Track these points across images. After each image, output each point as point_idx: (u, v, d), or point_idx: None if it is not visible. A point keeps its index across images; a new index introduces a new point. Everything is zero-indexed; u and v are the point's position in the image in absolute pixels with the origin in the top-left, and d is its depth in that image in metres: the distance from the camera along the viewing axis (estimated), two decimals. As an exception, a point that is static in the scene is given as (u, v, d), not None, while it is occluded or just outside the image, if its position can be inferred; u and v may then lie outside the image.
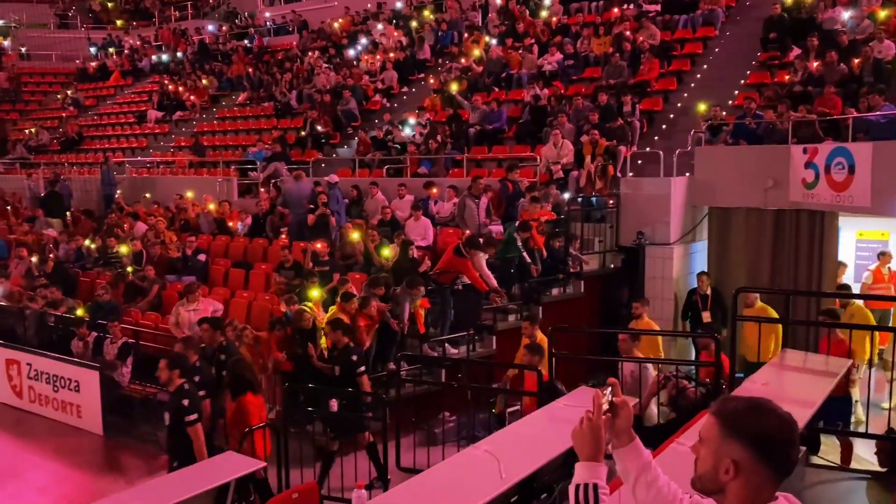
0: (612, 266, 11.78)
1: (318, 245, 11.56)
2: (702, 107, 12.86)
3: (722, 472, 1.94)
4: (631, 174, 12.17)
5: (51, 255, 13.81)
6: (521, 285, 10.51)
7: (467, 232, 10.97)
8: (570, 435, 2.24)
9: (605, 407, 2.23)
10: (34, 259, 13.61)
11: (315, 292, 9.75)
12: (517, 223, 10.60)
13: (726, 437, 1.95)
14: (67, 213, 17.01)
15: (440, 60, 19.20)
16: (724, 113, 12.64)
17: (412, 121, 15.72)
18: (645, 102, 14.03)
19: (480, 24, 19.78)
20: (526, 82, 15.79)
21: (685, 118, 13.59)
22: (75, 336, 10.09)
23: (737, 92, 13.77)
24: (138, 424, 9.14)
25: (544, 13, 18.57)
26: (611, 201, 11.83)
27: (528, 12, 18.97)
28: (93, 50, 30.57)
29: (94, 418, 9.17)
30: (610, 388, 2.30)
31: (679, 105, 14.21)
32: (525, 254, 10.37)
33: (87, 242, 14.26)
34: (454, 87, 16.20)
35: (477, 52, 17.72)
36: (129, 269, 12.61)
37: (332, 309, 9.04)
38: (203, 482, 5.37)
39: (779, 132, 11.22)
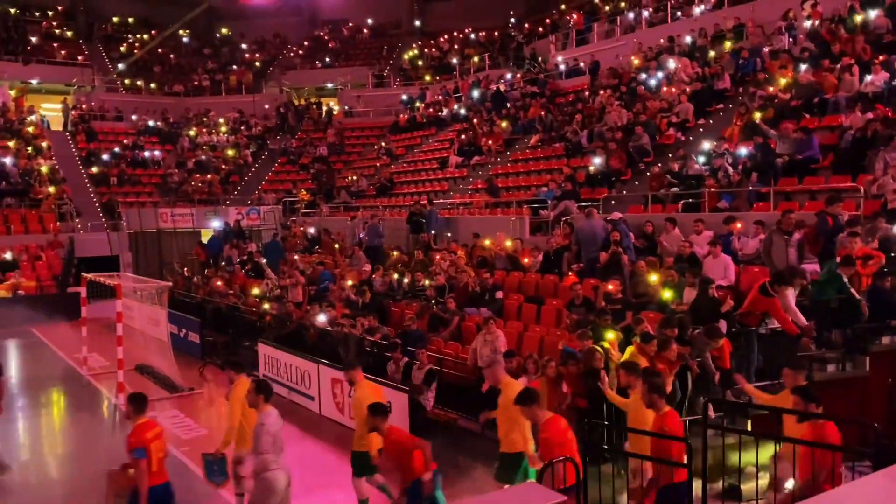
0: (962, 313, 9.97)
1: (610, 287, 11.42)
2: None
3: None
4: None
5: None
6: (843, 331, 9.34)
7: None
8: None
9: None
10: (352, 288, 15.25)
11: (610, 334, 9.61)
12: (838, 259, 9.48)
13: None
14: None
15: (741, 89, 18.12)
16: None
17: (709, 150, 14.97)
18: None
19: (787, 48, 18.32)
20: (844, 107, 14.24)
21: None
22: (390, 360, 11.06)
23: None
24: (440, 448, 9.63)
25: (866, 30, 16.67)
26: (960, 236, 10.09)
27: (843, 31, 17.18)
28: (404, 98, 33.95)
29: (401, 438, 9.89)
30: None
31: None
32: (854, 292, 9.21)
33: (397, 276, 15.64)
34: (758, 116, 15.14)
35: (784, 79, 16.42)
36: (433, 301, 13.57)
37: (630, 349, 8.81)
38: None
39: None
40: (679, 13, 24.88)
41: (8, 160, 27.79)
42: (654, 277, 11.04)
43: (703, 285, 10.19)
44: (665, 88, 19.88)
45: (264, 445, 6.67)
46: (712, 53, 20.23)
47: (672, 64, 21.01)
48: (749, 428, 8.37)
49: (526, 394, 6.40)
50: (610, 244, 12.45)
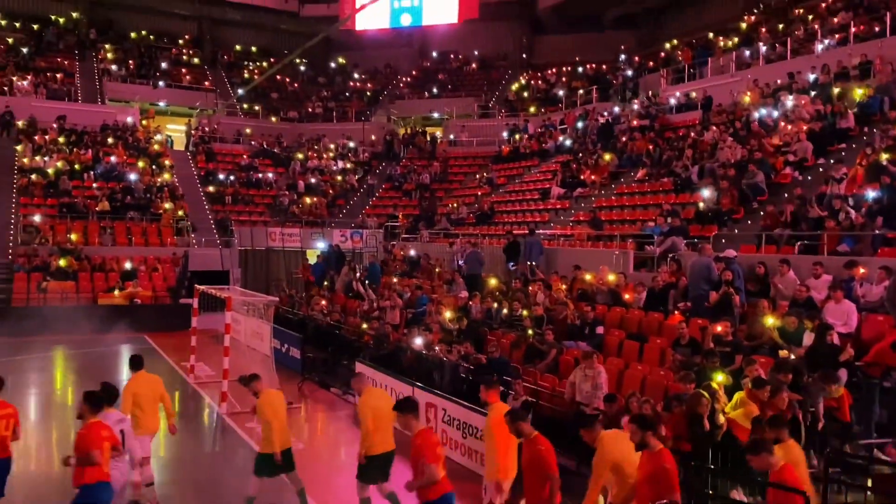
0: None
1: (719, 328, 10.96)
2: None
3: None
4: None
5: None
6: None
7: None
8: None
9: None
10: (450, 315, 15.27)
11: (720, 376, 9.19)
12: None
13: None
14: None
15: (866, 129, 17.20)
16: None
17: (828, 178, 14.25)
18: None
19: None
20: (985, 148, 13.26)
21: None
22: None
23: None
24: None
25: None
26: None
27: None
28: (506, 135, 34.13)
29: (494, 467, 9.73)
30: None
31: None
32: None
33: (495, 304, 15.56)
34: (885, 157, 14.30)
35: (916, 118, 15.49)
36: (530, 331, 13.40)
37: (739, 395, 8.38)
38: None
39: None
40: (797, 49, 24.02)
41: (133, 176, 29.65)
42: (770, 320, 10.49)
43: (821, 331, 9.64)
44: (783, 125, 19.11)
45: None
46: (836, 91, 19.30)
47: (791, 101, 20.20)
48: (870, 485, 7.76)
49: (404, 402, 6.93)
50: (721, 283, 11.96)
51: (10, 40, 38.04)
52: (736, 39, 28.72)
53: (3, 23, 39.66)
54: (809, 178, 16.75)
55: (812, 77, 21.27)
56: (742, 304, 11.82)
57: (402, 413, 6.74)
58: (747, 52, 26.40)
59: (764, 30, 27.61)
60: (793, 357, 9.80)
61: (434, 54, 46.75)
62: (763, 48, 25.59)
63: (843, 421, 8.40)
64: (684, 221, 16.87)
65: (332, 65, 47.09)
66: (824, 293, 11.09)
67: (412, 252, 23.60)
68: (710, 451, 8.10)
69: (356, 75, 45.85)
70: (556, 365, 12.34)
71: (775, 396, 8.37)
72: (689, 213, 17.48)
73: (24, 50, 37.76)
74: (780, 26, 27.55)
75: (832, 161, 16.91)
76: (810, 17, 26.80)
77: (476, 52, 45.24)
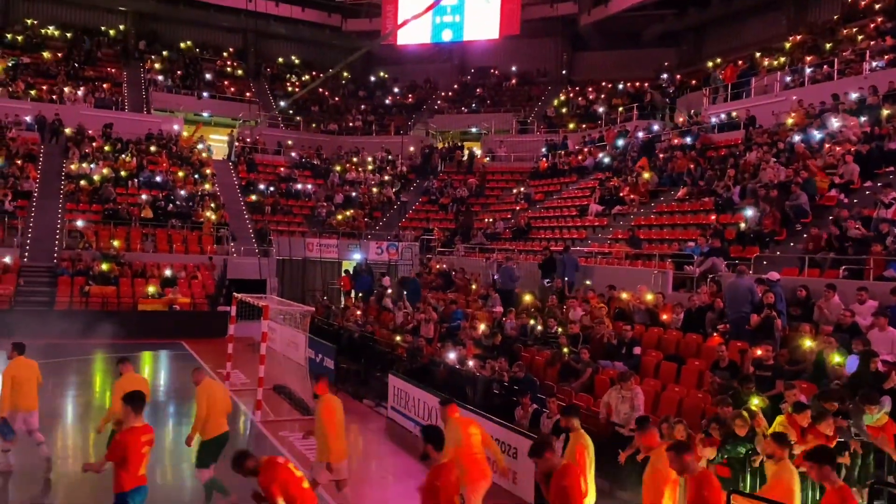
0: None
1: (759, 352, 10.75)
2: None
3: None
4: None
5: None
6: None
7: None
8: None
9: None
10: (484, 330, 15.20)
11: (756, 400, 8.99)
12: None
13: None
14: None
15: (915, 151, 16.77)
16: None
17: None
18: None
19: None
20: None
21: None
22: (519, 405, 10.87)
23: None
24: None
25: None
26: None
27: None
28: (544, 150, 34.05)
29: (527, 486, 9.64)
30: None
31: None
32: None
33: (530, 321, 15.46)
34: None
35: (968, 141, 15.06)
36: (566, 349, 13.27)
37: (779, 419, 8.18)
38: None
39: None
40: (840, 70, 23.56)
41: (184, 192, 30.03)
42: (808, 342, 10.26)
43: (866, 357, 9.38)
44: (828, 146, 18.74)
45: None
46: (886, 112, 18.86)
47: (836, 122, 19.80)
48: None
49: (130, 395, 6.89)
50: (762, 306, 11.73)
51: (56, 54, 39.04)
52: (782, 59, 28.29)
53: (57, 34, 40.87)
54: (856, 200, 16.37)
55: (858, 96, 20.82)
56: (784, 328, 11.57)
57: (125, 404, 6.78)
58: (788, 78, 25.96)
59: (809, 57, 27.09)
60: (835, 383, 9.56)
61: (473, 70, 46.96)
62: (809, 70, 25.16)
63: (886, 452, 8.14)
64: (724, 242, 16.61)
65: (373, 78, 47.57)
66: (869, 319, 10.80)
67: (444, 266, 23.62)
68: (749, 476, 7.93)
69: (396, 89, 46.25)
70: (592, 384, 12.21)
71: (818, 423, 8.14)
72: (730, 234, 17.20)
73: (76, 64, 38.70)
74: (828, 46, 27.07)
75: (880, 184, 16.51)
76: (860, 37, 26.28)
77: (515, 68, 45.35)
